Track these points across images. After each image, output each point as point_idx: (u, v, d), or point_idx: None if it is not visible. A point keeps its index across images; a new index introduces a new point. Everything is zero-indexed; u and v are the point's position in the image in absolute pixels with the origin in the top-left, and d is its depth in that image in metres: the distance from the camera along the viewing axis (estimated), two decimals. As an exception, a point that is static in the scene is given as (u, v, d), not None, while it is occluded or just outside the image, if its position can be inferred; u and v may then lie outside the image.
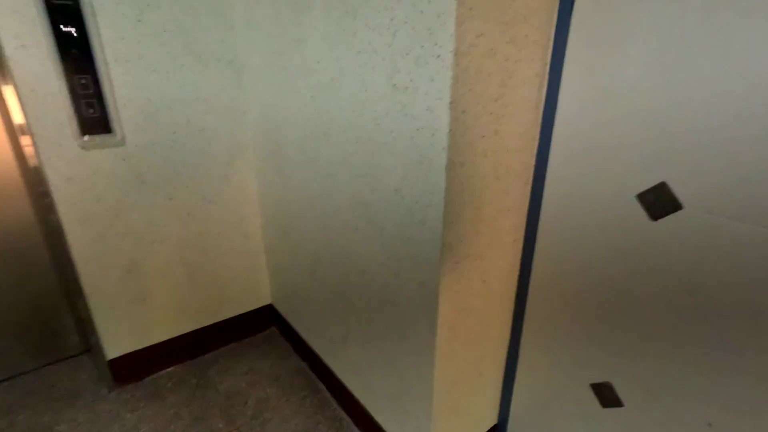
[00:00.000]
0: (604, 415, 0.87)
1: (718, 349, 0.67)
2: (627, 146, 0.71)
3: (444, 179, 0.70)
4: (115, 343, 1.37)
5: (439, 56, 0.64)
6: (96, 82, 1.10)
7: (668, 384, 0.75)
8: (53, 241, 1.23)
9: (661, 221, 0.69)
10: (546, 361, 0.97)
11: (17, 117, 1.04)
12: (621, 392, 0.83)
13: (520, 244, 0.93)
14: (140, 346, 1.42)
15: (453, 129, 0.67)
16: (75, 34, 1.04)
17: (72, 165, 1.13)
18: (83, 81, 1.08)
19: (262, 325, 1.71)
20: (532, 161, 0.85)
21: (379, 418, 1.14)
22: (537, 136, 0.83)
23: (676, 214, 0.67)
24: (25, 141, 1.06)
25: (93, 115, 1.12)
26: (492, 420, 1.15)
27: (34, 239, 1.36)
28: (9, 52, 0.99)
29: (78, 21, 1.04)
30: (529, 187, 0.88)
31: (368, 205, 0.91)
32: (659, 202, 0.69)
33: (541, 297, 0.94)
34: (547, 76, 0.78)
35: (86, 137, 1.13)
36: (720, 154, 0.60)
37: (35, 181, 1.12)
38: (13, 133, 1.07)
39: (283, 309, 1.62)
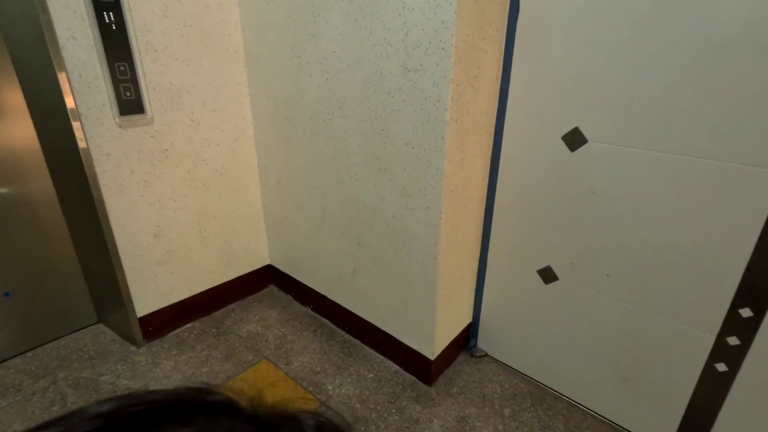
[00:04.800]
0: (547, 289, 1.32)
1: (611, 224, 1.12)
2: (554, 106, 1.13)
3: (446, 131, 1.07)
4: (144, 302, 1.55)
5: (443, 48, 1.00)
6: (132, 68, 1.28)
7: (582, 257, 1.20)
8: (88, 215, 1.38)
9: (575, 152, 1.13)
10: (505, 263, 1.39)
11: (69, 102, 1.19)
12: (557, 271, 1.28)
13: (486, 181, 1.33)
14: (164, 305, 1.61)
15: (452, 96, 1.03)
16: (114, 27, 1.22)
17: (111, 142, 1.31)
18: (121, 68, 1.26)
19: (262, 284, 1.96)
20: (494, 120, 1.25)
21: (387, 327, 1.49)
22: (497, 103, 1.22)
23: (584, 146, 1.10)
24: (76, 125, 1.22)
25: (129, 98, 1.30)
26: (468, 318, 1.56)
27: (57, 218, 1.48)
28: (62, 42, 1.15)
29: (118, 15, 1.22)
30: (492, 138, 1.27)
31: (381, 158, 1.25)
32: (575, 140, 1.12)
33: (501, 218, 1.35)
34: (502, 61, 1.17)
35: (123, 117, 1.30)
36: (604, 110, 1.04)
37: (75, 161, 1.28)
38: (62, 117, 1.22)
39: (282, 266, 1.89)
